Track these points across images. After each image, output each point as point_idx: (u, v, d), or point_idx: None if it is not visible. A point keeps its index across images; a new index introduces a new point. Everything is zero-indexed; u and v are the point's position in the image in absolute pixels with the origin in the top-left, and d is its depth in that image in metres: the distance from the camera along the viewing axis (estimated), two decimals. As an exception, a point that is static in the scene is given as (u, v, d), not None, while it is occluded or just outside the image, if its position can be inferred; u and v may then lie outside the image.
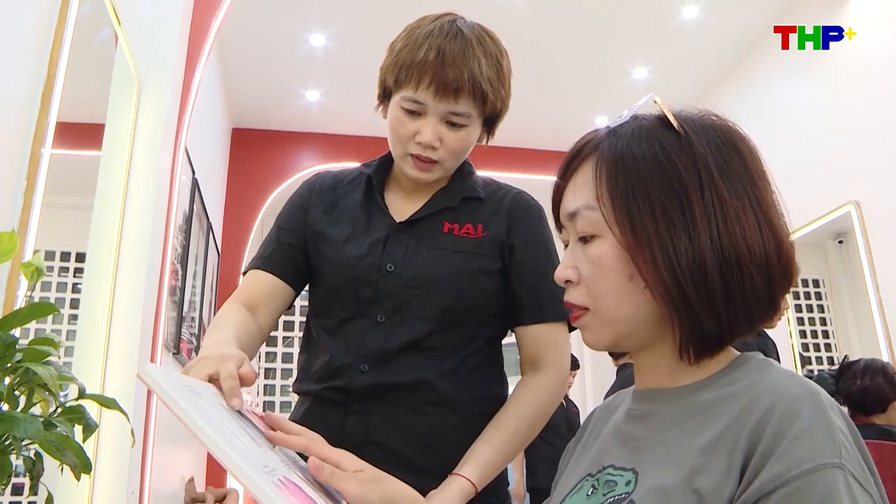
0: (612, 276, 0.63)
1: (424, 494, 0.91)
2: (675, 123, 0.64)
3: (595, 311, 0.66)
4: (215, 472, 3.83)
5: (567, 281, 0.68)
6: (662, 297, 0.60)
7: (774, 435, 0.52)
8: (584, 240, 0.66)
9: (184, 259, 3.03)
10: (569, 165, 0.69)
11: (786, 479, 0.51)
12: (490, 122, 1.13)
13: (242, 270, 1.19)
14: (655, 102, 0.66)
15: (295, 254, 1.14)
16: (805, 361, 3.74)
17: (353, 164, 1.25)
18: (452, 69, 1.02)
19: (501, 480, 1.07)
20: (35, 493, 0.97)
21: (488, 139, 1.16)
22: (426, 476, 0.97)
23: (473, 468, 0.97)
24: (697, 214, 0.60)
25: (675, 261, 0.59)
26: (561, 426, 3.95)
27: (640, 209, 0.61)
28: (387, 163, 1.18)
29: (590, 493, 0.67)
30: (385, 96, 1.11)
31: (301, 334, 1.21)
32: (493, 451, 1.00)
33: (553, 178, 0.71)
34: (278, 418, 0.78)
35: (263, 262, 1.14)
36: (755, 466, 0.52)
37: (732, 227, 0.60)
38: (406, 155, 1.08)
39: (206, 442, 0.62)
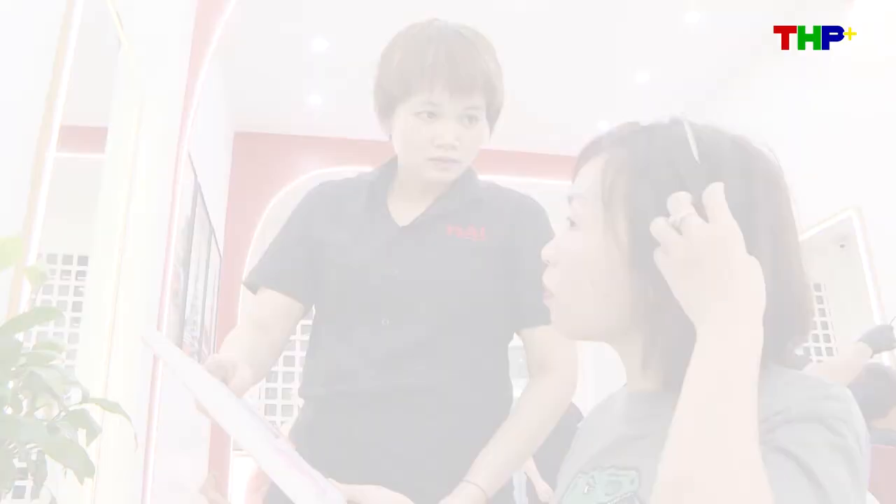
0: (579, 266, 0.65)
1: (429, 497, 0.91)
2: (693, 149, 0.62)
3: (556, 295, 0.68)
4: (218, 477, 3.83)
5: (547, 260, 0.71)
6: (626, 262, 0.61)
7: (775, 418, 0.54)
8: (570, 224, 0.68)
9: (186, 263, 3.04)
10: (587, 149, 0.70)
11: (787, 417, 0.53)
12: (491, 119, 1.13)
13: (244, 281, 1.17)
14: (684, 125, 0.64)
15: (301, 266, 1.14)
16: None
17: (356, 169, 1.25)
18: (464, 66, 1.03)
19: (508, 485, 1.07)
20: (38, 496, 0.97)
21: (489, 137, 1.17)
22: (431, 479, 0.97)
23: (483, 474, 0.97)
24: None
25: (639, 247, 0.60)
26: (557, 430, 3.90)
27: (618, 206, 0.62)
28: (389, 170, 1.18)
29: (585, 490, 0.67)
30: (388, 109, 1.10)
31: (302, 337, 1.21)
32: (503, 456, 1.00)
33: (555, 182, 0.72)
34: None
35: (270, 278, 1.13)
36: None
37: None
38: (425, 160, 1.07)
39: (203, 399, 0.67)
